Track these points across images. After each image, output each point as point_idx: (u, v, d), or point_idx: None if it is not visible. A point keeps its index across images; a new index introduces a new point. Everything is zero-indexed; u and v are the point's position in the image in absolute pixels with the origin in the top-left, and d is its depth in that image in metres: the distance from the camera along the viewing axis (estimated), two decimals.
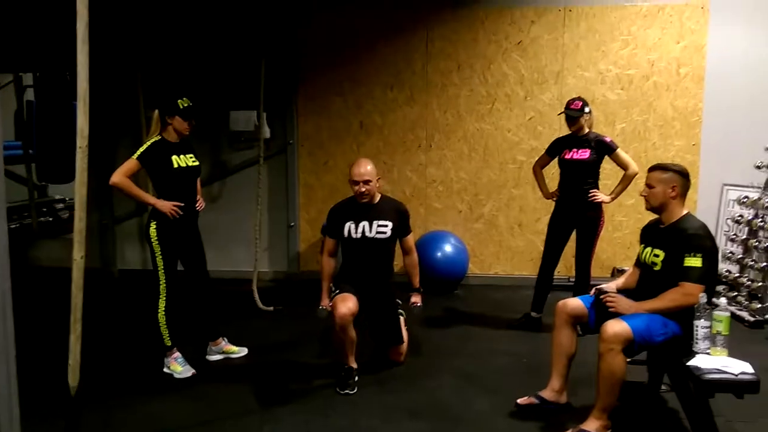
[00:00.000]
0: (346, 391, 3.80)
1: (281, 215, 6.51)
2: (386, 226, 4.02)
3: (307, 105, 6.39)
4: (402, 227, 4.11)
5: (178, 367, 4.05)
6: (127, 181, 3.82)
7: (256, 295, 5.51)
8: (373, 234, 4.00)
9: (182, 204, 3.95)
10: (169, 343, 4.06)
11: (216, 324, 4.41)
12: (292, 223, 6.50)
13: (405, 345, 4.21)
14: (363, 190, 3.93)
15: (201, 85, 6.14)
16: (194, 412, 3.56)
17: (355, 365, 3.94)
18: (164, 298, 3.99)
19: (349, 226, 4.01)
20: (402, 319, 4.24)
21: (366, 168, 3.95)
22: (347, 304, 3.77)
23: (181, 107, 3.93)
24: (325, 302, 4.02)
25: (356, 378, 3.89)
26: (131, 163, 3.84)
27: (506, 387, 3.81)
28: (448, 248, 5.98)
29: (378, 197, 4.07)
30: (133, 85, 6.14)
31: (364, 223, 4.00)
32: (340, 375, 3.87)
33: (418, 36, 6.20)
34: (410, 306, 4.17)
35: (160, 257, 3.95)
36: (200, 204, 4.18)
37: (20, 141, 7.84)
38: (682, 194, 3.24)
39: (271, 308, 5.48)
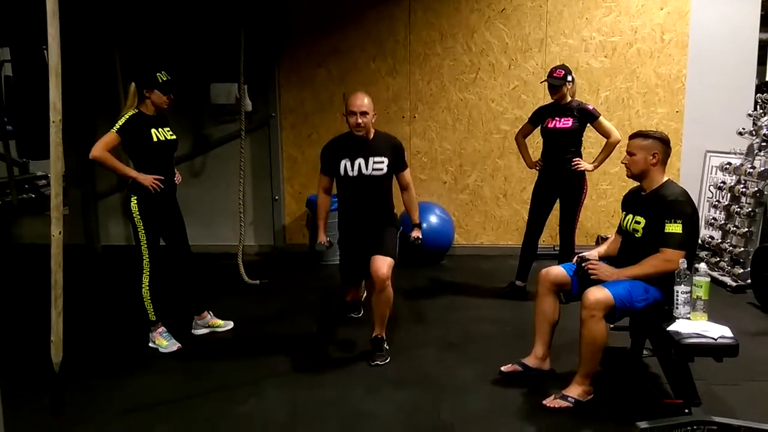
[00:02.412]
0: (353, 314, 4.55)
1: (265, 189, 6.48)
2: (382, 162, 3.93)
3: (289, 77, 6.32)
4: (398, 163, 4.02)
5: (164, 341, 4.05)
6: (108, 155, 3.77)
7: (242, 269, 5.50)
8: (369, 171, 3.91)
9: (162, 177, 3.92)
10: (153, 318, 4.06)
11: (201, 298, 4.41)
12: (277, 197, 6.48)
13: (390, 264, 3.82)
14: (360, 121, 3.81)
15: (180, 56, 6.06)
16: (180, 386, 3.57)
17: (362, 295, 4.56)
18: (148, 273, 3.97)
19: (344, 163, 3.91)
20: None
21: (364, 100, 3.85)
22: (353, 295, 4.37)
23: (160, 81, 3.87)
24: (322, 238, 4.06)
25: (362, 305, 4.55)
26: (111, 137, 3.78)
27: (490, 355, 3.84)
28: (433, 219, 5.98)
29: (372, 133, 3.96)
30: (111, 58, 6.04)
31: (360, 161, 3.90)
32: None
33: (400, 5, 6.12)
34: (411, 241, 4.07)
35: (143, 232, 3.92)
36: (178, 177, 4.15)
37: None
38: (663, 161, 3.24)
39: (257, 282, 5.48)
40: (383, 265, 3.75)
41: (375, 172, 3.92)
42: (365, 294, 4.65)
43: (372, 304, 3.91)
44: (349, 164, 3.91)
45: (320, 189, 4.10)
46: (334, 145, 4.02)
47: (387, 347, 3.91)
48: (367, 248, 3.89)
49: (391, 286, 3.79)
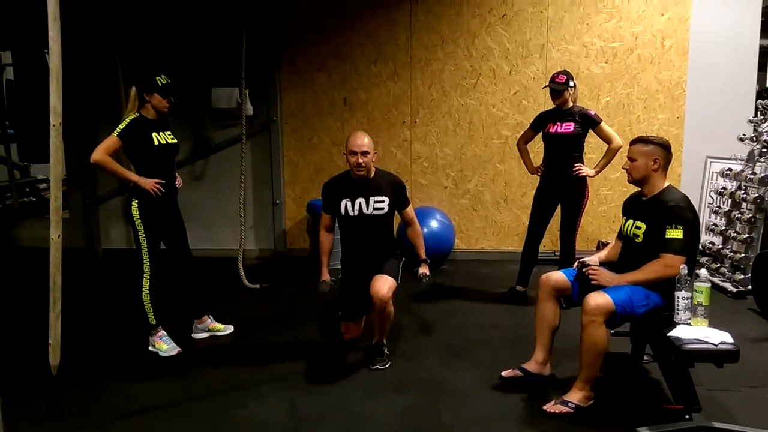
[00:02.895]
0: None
1: (266, 193, 6.48)
2: (383, 201, 3.90)
3: (290, 81, 6.33)
4: (399, 200, 3.99)
5: (163, 345, 4.05)
6: (109, 159, 3.77)
7: (242, 273, 5.49)
8: (370, 211, 3.89)
9: (163, 181, 3.92)
10: (153, 322, 4.05)
11: (201, 302, 4.40)
12: (278, 201, 6.48)
13: (391, 285, 3.78)
14: (361, 161, 3.78)
15: (181, 60, 6.06)
16: (179, 390, 3.55)
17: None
18: (148, 277, 3.97)
19: (345, 203, 3.88)
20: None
21: (364, 140, 3.80)
22: (351, 333, 4.10)
23: (160, 84, 3.87)
24: (325, 276, 3.96)
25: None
26: (112, 140, 3.78)
27: (491, 360, 3.83)
28: (434, 224, 5.97)
29: (373, 172, 3.93)
30: (112, 62, 6.05)
31: (361, 200, 3.88)
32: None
33: (401, 10, 6.13)
34: (418, 277, 3.96)
35: (143, 236, 3.92)
36: (179, 181, 4.15)
37: None
38: (664, 167, 3.23)
39: (257, 286, 5.48)
40: (383, 285, 3.71)
41: (376, 212, 3.90)
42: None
43: (372, 321, 3.93)
44: (349, 204, 3.88)
45: (322, 228, 4.04)
46: (334, 184, 3.99)
47: (387, 352, 3.91)
48: (368, 279, 3.81)
49: (391, 305, 3.79)
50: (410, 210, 4.06)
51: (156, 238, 3.99)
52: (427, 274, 3.97)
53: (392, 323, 3.95)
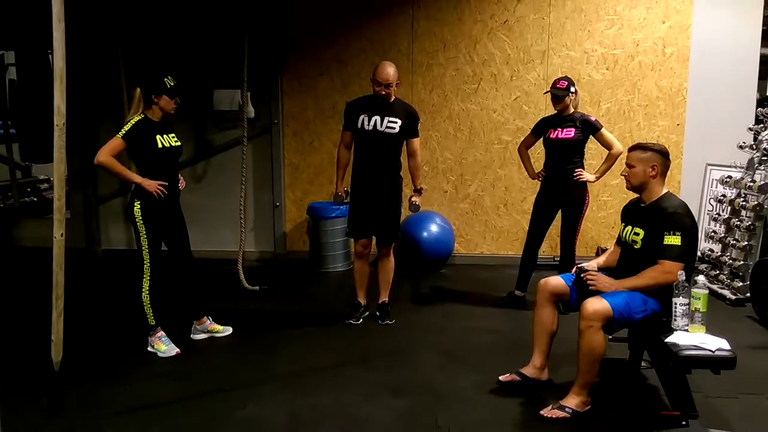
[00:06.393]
0: (350, 321, 4.58)
1: (267, 195, 6.50)
2: (396, 122, 4.38)
3: (292, 85, 6.36)
4: (410, 128, 4.47)
5: (162, 346, 4.06)
6: (113, 161, 3.79)
7: (242, 275, 5.50)
8: (383, 128, 4.37)
9: (166, 183, 3.93)
10: (153, 323, 4.06)
11: (200, 303, 4.41)
12: (278, 203, 6.49)
13: (393, 244, 4.62)
14: (383, 93, 4.30)
15: (184, 62, 6.08)
16: (178, 391, 3.56)
17: (363, 301, 4.69)
18: (148, 278, 3.98)
19: (362, 118, 4.38)
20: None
21: (390, 73, 4.29)
22: (361, 243, 4.58)
23: (168, 86, 3.88)
24: (339, 189, 4.63)
25: (363, 313, 4.66)
26: (116, 142, 3.79)
27: (489, 364, 3.84)
28: (434, 228, 5.99)
29: (393, 98, 4.42)
30: (115, 63, 6.08)
31: (376, 117, 4.37)
32: (350, 307, 4.70)
33: (404, 15, 6.16)
34: (409, 203, 4.61)
35: (145, 237, 3.93)
36: (182, 183, 4.17)
37: (1, 121, 7.75)
38: (662, 173, 3.25)
39: (257, 288, 5.49)
40: (388, 250, 4.58)
41: (388, 130, 4.38)
42: (365, 304, 4.73)
43: (378, 272, 4.65)
44: (366, 119, 4.37)
45: (341, 144, 4.57)
46: (357, 102, 4.53)
47: (390, 309, 4.64)
48: (374, 215, 4.48)
49: (392, 259, 4.63)
50: (416, 142, 4.56)
51: (157, 239, 4.00)
52: (417, 203, 4.62)
53: (392, 291, 4.73)
